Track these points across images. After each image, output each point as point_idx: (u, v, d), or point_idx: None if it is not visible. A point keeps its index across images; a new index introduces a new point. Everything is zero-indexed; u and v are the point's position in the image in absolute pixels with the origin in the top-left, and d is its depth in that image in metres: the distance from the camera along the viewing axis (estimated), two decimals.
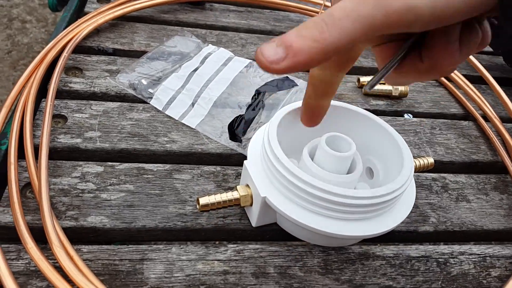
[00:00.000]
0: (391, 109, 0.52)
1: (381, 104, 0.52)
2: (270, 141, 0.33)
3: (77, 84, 0.46)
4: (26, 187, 0.36)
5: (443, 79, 0.57)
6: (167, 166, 0.40)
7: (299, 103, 0.35)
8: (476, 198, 0.43)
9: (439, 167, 0.46)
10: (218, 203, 0.34)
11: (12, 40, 1.55)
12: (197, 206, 0.34)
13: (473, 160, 0.47)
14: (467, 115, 0.54)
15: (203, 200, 0.34)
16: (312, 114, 0.32)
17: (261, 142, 0.36)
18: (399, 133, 0.36)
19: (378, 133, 0.37)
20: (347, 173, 0.34)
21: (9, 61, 1.47)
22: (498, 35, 0.57)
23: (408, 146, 0.46)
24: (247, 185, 0.35)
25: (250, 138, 0.43)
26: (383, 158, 0.37)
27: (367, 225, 0.32)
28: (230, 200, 0.34)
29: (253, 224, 0.36)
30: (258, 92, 0.45)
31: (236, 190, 0.35)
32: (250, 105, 0.44)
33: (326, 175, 0.33)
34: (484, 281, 0.35)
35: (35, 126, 0.41)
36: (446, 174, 0.44)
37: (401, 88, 0.52)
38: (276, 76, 0.50)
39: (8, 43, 1.53)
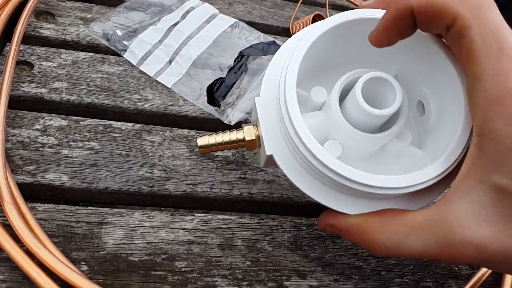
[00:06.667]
0: None
1: None
2: (287, 100, 0.25)
3: (47, 30, 0.43)
4: None
5: None
6: (137, 126, 0.37)
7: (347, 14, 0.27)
8: None
9: None
10: (219, 144, 0.30)
11: None
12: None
13: None
14: None
15: (202, 141, 0.31)
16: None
17: (279, 74, 0.27)
18: None
19: (438, 63, 0.26)
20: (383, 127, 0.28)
21: None
22: None
23: None
24: (255, 126, 0.29)
25: (229, 103, 0.40)
26: (439, 94, 0.28)
27: (392, 202, 0.26)
28: (233, 141, 0.30)
29: (261, 165, 0.31)
30: (241, 55, 0.42)
31: (242, 130, 0.30)
32: (232, 68, 0.41)
33: (353, 134, 0.26)
34: (456, 268, 0.34)
35: None
36: None
37: None
38: (262, 39, 0.47)
39: None
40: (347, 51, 0.30)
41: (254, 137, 0.29)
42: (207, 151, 0.30)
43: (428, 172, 0.24)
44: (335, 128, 0.28)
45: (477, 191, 0.21)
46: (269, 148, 0.27)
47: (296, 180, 0.26)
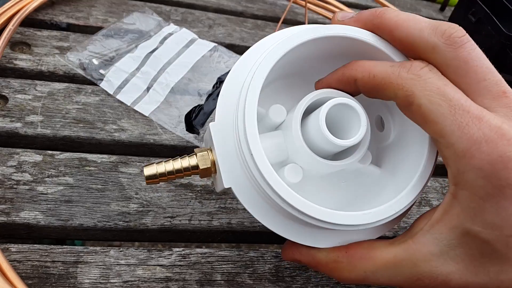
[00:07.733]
0: None
1: None
2: (247, 131, 0.23)
3: (23, 61, 0.42)
4: None
5: None
6: (113, 158, 0.36)
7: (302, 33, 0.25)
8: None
9: None
10: (170, 173, 0.26)
11: None
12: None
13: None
14: None
15: (149, 170, 0.26)
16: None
17: (237, 95, 0.25)
18: None
19: None
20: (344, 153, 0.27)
21: None
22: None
23: None
24: (209, 150, 0.26)
25: None
26: (401, 115, 0.26)
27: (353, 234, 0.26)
28: (186, 169, 0.26)
29: (217, 191, 0.29)
30: (220, 80, 0.42)
31: (195, 156, 0.26)
32: (210, 95, 0.41)
33: (314, 160, 0.25)
34: None
35: None
36: None
37: None
38: None
39: None
40: (311, 65, 0.28)
41: (209, 165, 0.26)
42: (156, 182, 0.26)
43: (392, 207, 0.24)
44: (295, 152, 0.26)
45: (447, 235, 0.22)
46: (227, 180, 0.24)
47: (257, 215, 0.25)
